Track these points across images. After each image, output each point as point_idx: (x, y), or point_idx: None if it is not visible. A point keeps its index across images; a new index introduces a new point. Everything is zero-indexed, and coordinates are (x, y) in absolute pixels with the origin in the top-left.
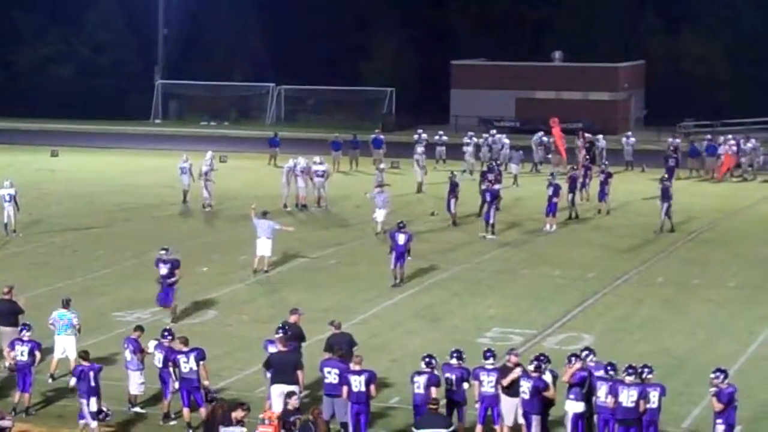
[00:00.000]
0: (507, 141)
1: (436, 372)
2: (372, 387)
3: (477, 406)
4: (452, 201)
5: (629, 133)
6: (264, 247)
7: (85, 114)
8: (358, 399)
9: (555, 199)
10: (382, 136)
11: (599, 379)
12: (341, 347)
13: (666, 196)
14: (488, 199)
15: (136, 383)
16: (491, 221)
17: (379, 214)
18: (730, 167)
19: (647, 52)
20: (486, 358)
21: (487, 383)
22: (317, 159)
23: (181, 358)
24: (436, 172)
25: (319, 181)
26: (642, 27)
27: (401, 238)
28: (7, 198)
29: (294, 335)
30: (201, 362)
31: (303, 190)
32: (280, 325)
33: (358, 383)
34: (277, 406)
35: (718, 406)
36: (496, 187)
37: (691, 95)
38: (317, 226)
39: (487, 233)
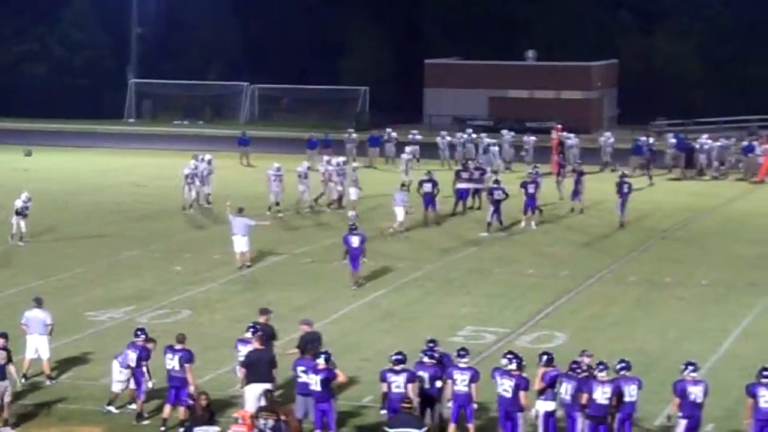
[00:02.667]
0: (487, 140)
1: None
2: (340, 377)
3: (450, 404)
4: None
5: (608, 133)
6: (240, 244)
7: (59, 113)
8: (317, 398)
9: (537, 196)
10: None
11: (565, 378)
12: (314, 346)
13: (621, 191)
14: (497, 197)
15: (116, 380)
16: (496, 219)
17: (400, 212)
18: None
19: (620, 50)
20: (460, 356)
21: (461, 382)
22: (342, 159)
23: (168, 355)
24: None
25: (339, 179)
26: (615, 26)
27: (355, 241)
28: (19, 210)
29: (266, 335)
30: (186, 365)
31: (306, 192)
32: (251, 324)
33: (314, 382)
34: (252, 405)
35: (675, 400)
36: (504, 187)
37: (664, 94)
38: (292, 225)
39: (489, 231)
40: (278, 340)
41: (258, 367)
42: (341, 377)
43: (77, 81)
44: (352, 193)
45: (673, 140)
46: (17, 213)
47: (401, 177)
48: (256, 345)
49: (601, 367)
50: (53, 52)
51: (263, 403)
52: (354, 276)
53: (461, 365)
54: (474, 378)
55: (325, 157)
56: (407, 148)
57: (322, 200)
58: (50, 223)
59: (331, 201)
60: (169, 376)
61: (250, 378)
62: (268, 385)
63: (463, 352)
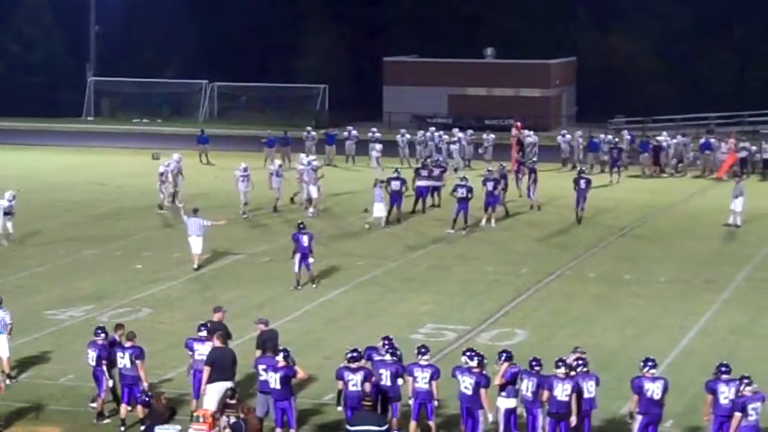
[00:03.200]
0: (446, 137)
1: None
2: (300, 374)
3: (411, 402)
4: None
5: (578, 132)
6: (196, 245)
7: (17, 111)
8: (277, 396)
9: (495, 193)
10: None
11: (525, 374)
12: (273, 344)
13: (579, 186)
14: (460, 195)
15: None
16: (463, 216)
17: (379, 208)
18: (732, 165)
19: (578, 48)
20: (422, 354)
21: (421, 379)
22: (312, 157)
23: (119, 353)
24: (370, 169)
25: (312, 177)
26: (573, 23)
27: (305, 239)
28: (6, 210)
29: (226, 333)
30: (138, 361)
31: (278, 191)
32: (202, 323)
33: (274, 380)
34: (213, 404)
35: (633, 397)
36: (469, 183)
37: (622, 91)
38: (251, 224)
39: (453, 229)
40: (233, 339)
41: (221, 366)
42: (301, 374)
43: (33, 79)
44: (313, 191)
45: (628, 137)
46: (4, 213)
47: (373, 174)
48: (217, 343)
49: (560, 363)
50: (8, 49)
51: (229, 401)
52: (308, 275)
53: (422, 363)
54: (434, 375)
55: (302, 156)
56: (378, 146)
57: (297, 198)
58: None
59: (301, 200)
60: (121, 375)
61: (213, 376)
62: (229, 384)
63: (423, 349)
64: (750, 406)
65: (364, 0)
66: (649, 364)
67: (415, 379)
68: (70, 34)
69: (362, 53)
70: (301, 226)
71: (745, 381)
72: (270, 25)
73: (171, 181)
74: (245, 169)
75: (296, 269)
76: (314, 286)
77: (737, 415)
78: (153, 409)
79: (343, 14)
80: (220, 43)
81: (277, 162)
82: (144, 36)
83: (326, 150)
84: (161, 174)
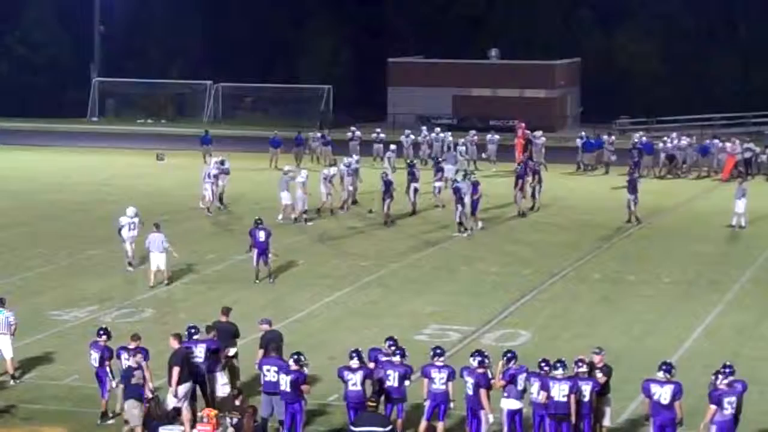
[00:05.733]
0: (451, 138)
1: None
2: (305, 387)
3: (426, 403)
4: (387, 201)
5: (583, 132)
6: (158, 261)
7: (21, 112)
8: (287, 398)
9: (474, 197)
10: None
11: (532, 376)
12: (277, 345)
13: (632, 188)
14: (457, 196)
15: (219, 384)
16: (458, 220)
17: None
18: (735, 167)
19: (582, 49)
20: (438, 355)
21: (438, 380)
22: (351, 159)
23: (123, 354)
24: (373, 170)
25: (349, 179)
26: (577, 24)
27: (261, 235)
28: (131, 227)
29: (228, 333)
30: (143, 362)
31: (329, 195)
32: (191, 325)
33: (284, 383)
34: (184, 404)
35: (645, 399)
36: (460, 185)
37: (626, 92)
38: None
39: (460, 232)
40: (240, 339)
41: (189, 366)
42: (305, 387)
43: (38, 79)
44: (284, 197)
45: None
46: (128, 230)
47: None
48: (175, 344)
49: (558, 364)
50: (13, 50)
51: (234, 401)
52: (263, 270)
53: (438, 363)
54: (451, 376)
55: (347, 158)
56: (392, 146)
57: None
58: (11, 222)
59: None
60: (124, 375)
61: (186, 378)
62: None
63: (439, 350)
64: (726, 400)
65: (368, 0)
66: (663, 368)
67: (432, 380)
68: (75, 34)
69: (367, 54)
70: (258, 221)
71: (722, 375)
72: (275, 26)
73: (218, 183)
74: (306, 177)
75: (254, 264)
76: (271, 281)
77: (712, 407)
78: (148, 409)
79: (348, 15)
80: (225, 44)
81: (333, 169)
82: (148, 36)
83: (323, 151)
84: (214, 176)
